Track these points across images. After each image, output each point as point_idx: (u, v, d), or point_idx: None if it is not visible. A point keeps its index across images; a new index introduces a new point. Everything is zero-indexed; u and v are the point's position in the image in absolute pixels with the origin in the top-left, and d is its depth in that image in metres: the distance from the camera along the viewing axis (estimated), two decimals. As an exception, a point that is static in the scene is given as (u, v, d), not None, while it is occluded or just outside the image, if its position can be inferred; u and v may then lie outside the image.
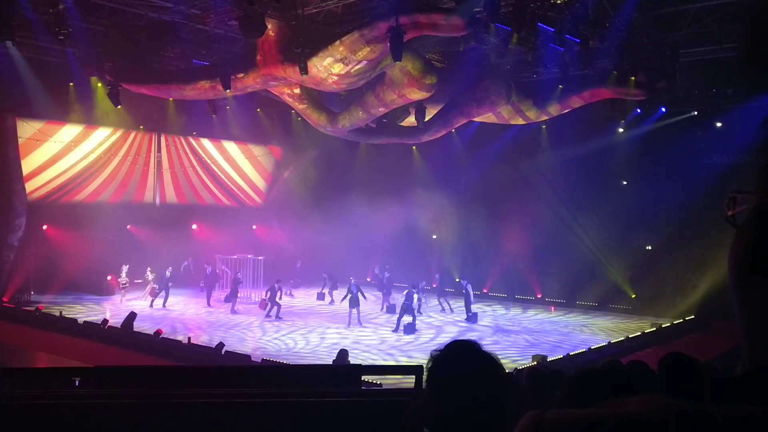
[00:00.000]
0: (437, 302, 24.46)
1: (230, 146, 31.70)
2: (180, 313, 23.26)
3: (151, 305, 23.84)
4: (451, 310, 23.83)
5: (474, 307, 23.24)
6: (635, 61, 19.88)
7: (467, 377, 1.86)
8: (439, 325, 21.95)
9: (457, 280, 24.71)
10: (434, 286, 25.68)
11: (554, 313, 25.00)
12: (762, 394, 0.82)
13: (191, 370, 8.19)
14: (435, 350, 1.94)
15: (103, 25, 19.59)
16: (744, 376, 0.85)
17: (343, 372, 7.43)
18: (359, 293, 21.12)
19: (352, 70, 18.05)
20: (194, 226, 30.68)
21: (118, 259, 26.03)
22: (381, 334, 19.89)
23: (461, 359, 1.91)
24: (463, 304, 23.03)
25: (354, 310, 20.95)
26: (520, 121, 24.03)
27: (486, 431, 1.85)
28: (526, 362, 15.38)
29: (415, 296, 20.74)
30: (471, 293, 22.63)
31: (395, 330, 20.07)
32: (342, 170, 32.57)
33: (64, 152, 26.44)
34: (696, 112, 23.23)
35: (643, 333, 20.11)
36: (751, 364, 0.81)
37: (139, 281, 25.69)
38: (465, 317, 22.68)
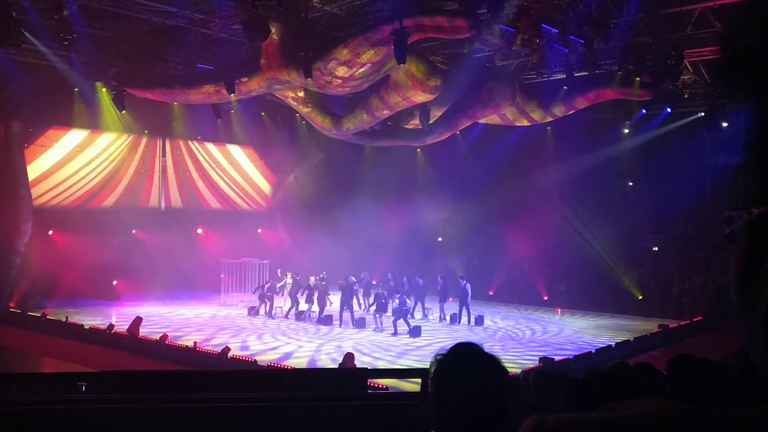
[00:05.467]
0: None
1: (235, 150, 31.77)
2: (186, 317, 23.29)
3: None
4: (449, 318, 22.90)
5: (480, 310, 23.20)
6: (640, 62, 19.85)
7: (470, 379, 1.86)
8: (444, 328, 21.90)
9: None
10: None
11: (561, 315, 24.95)
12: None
13: (197, 375, 8.20)
14: (439, 353, 1.94)
15: (108, 30, 19.65)
16: (753, 380, 0.85)
17: (349, 375, 7.43)
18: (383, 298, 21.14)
19: (356, 73, 18.07)
20: (199, 231, 30.73)
21: (124, 264, 26.12)
22: (385, 338, 19.87)
23: (464, 362, 1.92)
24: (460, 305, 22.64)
25: (377, 315, 20.89)
26: (525, 123, 24.03)
27: (490, 433, 1.85)
28: (533, 364, 15.34)
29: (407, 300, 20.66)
30: (469, 294, 22.23)
31: (394, 333, 20.00)
32: (346, 173, 32.59)
33: (69, 158, 26.54)
34: (703, 113, 23.21)
35: (650, 334, 20.02)
36: (759, 373, 0.81)
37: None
38: (458, 322, 22.20)
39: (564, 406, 2.29)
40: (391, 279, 23.59)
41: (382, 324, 20.80)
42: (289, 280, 23.58)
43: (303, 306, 22.71)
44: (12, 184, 23.79)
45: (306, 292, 22.40)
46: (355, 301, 22.67)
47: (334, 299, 22.21)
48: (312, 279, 22.59)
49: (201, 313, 24.35)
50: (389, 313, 21.06)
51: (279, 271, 24.38)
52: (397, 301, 20.46)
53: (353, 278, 22.79)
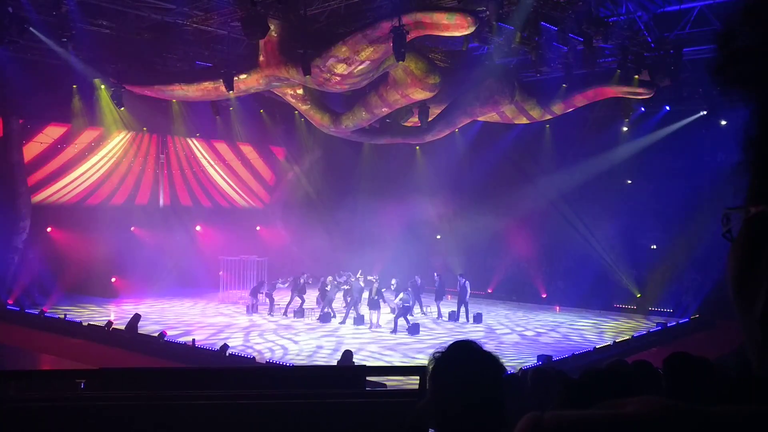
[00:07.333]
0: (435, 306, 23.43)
1: (233, 147, 31.73)
2: (182, 315, 23.30)
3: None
4: (439, 315, 22.97)
5: (479, 307, 23.21)
6: (639, 60, 19.86)
7: (468, 377, 1.87)
8: (443, 325, 21.89)
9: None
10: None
11: (559, 313, 24.96)
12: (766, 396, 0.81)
13: (196, 372, 8.20)
14: (437, 351, 1.95)
15: (106, 27, 19.63)
16: (750, 378, 0.85)
17: (347, 373, 7.44)
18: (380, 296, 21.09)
19: (355, 71, 18.06)
20: (198, 228, 30.71)
21: (122, 261, 26.11)
22: (385, 336, 19.88)
23: (462, 359, 1.92)
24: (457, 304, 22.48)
25: (375, 313, 20.88)
26: (524, 121, 24.02)
27: (488, 430, 1.85)
28: (531, 362, 15.36)
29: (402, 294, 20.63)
30: (467, 292, 22.22)
31: (393, 331, 20.02)
32: (345, 170, 32.58)
33: (67, 154, 26.49)
34: (705, 112, 23.26)
35: (649, 332, 20.07)
36: (756, 371, 0.81)
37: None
38: (457, 320, 22.17)
39: (562, 403, 2.30)
40: (377, 281, 23.07)
41: (378, 321, 20.85)
42: (361, 282, 22.61)
43: (308, 303, 22.84)
44: (10, 181, 23.76)
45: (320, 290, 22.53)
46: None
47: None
48: (330, 278, 22.63)
49: (200, 310, 24.38)
50: (386, 311, 21.11)
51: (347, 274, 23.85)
52: (401, 296, 20.47)
53: (351, 276, 22.80)
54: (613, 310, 24.95)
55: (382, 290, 21.70)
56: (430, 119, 22.24)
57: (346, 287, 22.57)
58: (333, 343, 18.39)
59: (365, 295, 21.81)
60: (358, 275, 22.76)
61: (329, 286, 22.32)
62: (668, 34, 19.18)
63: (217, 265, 27.18)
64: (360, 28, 16.85)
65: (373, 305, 20.81)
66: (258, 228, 32.57)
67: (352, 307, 21.70)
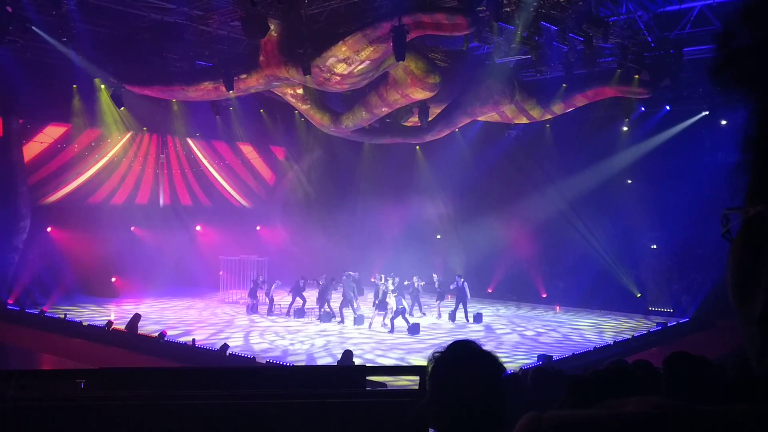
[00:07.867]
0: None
1: (234, 147, 31.74)
2: (183, 315, 23.31)
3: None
4: (439, 315, 22.91)
5: (478, 307, 23.20)
6: (639, 60, 19.87)
7: (468, 377, 1.87)
8: (443, 326, 21.89)
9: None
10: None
11: (559, 313, 24.96)
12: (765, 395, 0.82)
13: (196, 372, 8.20)
14: (436, 351, 1.95)
15: (106, 26, 19.63)
16: (750, 378, 0.85)
17: (347, 373, 7.43)
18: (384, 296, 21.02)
19: (355, 70, 18.06)
20: (198, 228, 30.70)
21: (123, 261, 26.11)
22: (385, 336, 19.87)
23: (461, 360, 1.92)
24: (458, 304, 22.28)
25: (382, 314, 20.79)
26: (524, 120, 24.03)
27: (488, 430, 1.85)
28: (531, 362, 15.36)
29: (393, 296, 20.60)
30: (467, 292, 22.14)
31: (390, 331, 20.03)
32: (345, 170, 32.59)
33: (68, 154, 26.49)
34: (707, 112, 23.29)
35: (649, 332, 20.08)
36: (756, 370, 0.81)
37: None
38: (454, 319, 22.10)
39: (562, 403, 2.30)
40: (383, 282, 23.03)
41: (384, 322, 20.84)
42: (390, 286, 22.28)
43: (308, 303, 22.86)
44: (11, 181, 23.76)
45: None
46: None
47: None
48: (323, 278, 22.64)
49: (200, 310, 24.37)
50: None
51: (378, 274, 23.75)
52: (393, 297, 20.47)
53: (352, 274, 22.75)
54: (613, 310, 24.93)
55: (389, 290, 21.65)
56: (430, 119, 22.24)
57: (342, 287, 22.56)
58: (332, 343, 18.39)
59: (369, 296, 21.81)
60: (381, 279, 22.71)
61: (323, 280, 22.32)
62: (668, 33, 19.19)
63: (217, 265, 27.19)
64: (360, 28, 16.85)
65: (381, 307, 20.78)
66: (258, 228, 32.56)
67: (348, 306, 21.66)
